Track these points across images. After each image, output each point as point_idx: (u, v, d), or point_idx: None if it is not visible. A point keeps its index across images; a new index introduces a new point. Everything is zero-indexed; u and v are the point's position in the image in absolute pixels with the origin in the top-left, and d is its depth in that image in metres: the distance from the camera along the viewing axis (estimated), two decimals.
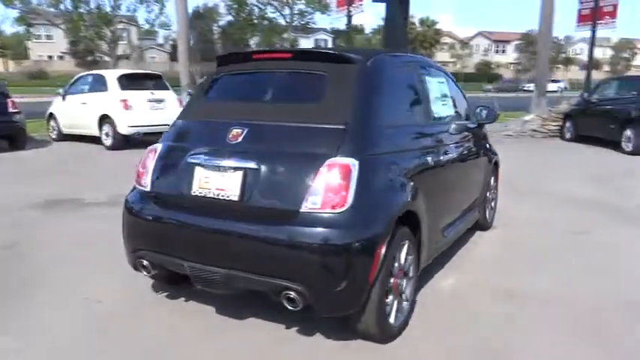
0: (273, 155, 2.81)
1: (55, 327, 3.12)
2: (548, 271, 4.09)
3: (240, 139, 2.91)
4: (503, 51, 68.82)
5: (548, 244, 4.80)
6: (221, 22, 44.15)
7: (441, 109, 4.03)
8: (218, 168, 2.90)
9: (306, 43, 53.31)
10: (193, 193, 2.95)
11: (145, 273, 3.21)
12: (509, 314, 3.32)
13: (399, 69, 3.50)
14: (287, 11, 40.38)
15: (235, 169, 2.84)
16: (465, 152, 4.23)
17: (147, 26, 34.75)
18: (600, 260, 4.38)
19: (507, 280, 3.89)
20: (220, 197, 2.85)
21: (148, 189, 3.16)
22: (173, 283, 3.56)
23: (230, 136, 2.95)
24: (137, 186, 3.27)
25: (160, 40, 58.72)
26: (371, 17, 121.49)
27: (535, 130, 13.59)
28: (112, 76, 10.95)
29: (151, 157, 3.23)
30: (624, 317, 3.30)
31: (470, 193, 4.51)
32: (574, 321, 3.23)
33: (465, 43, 67.24)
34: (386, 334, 2.90)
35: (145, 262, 3.13)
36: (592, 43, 18.87)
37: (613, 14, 18.11)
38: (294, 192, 2.69)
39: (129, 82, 10.82)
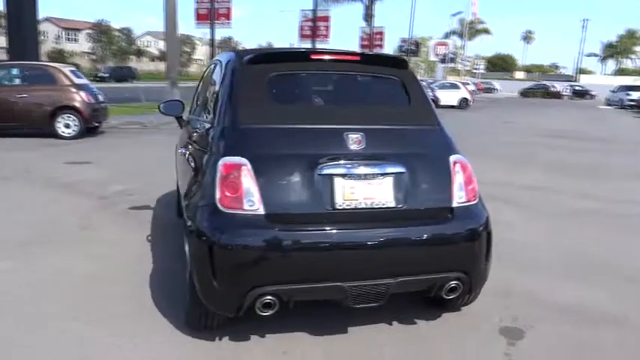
0: (409, 158, 2.87)
1: None
2: None
3: (364, 145, 2.81)
4: (76, 39, 65.68)
5: None
6: None
7: None
8: (364, 176, 2.74)
9: None
10: (339, 207, 2.68)
11: (264, 313, 2.64)
12: None
13: None
14: None
15: (384, 175, 2.77)
16: None
17: None
18: None
19: None
20: (374, 206, 2.73)
21: (262, 211, 2.61)
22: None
23: (351, 142, 2.80)
24: (230, 210, 2.61)
25: None
26: None
27: None
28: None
29: (244, 173, 2.63)
30: None
31: None
32: None
33: None
34: None
35: (269, 299, 2.60)
36: (212, 40, 21.07)
37: (228, 16, 20.73)
38: (439, 190, 2.89)
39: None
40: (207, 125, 3.30)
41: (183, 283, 3.47)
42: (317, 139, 2.85)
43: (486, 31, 67.06)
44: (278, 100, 3.00)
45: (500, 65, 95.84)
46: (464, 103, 28.44)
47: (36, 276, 3.80)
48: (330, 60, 3.13)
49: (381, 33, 35.17)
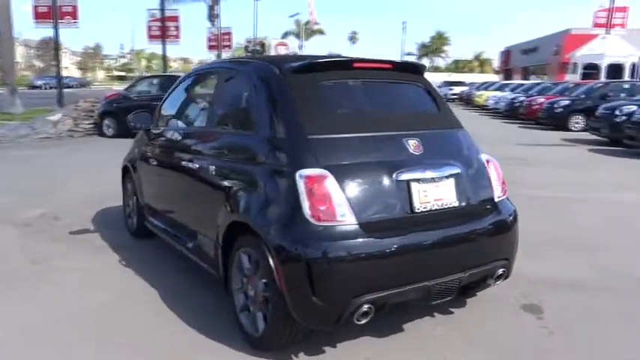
0: (459, 159, 3.11)
1: None
2: None
3: (422, 150, 2.98)
4: None
5: None
6: None
7: None
8: (432, 180, 2.91)
9: None
10: (417, 210, 2.82)
11: (360, 322, 2.66)
12: None
13: None
14: None
15: (447, 177, 2.97)
16: None
17: None
18: None
19: None
20: (443, 207, 2.92)
21: (354, 221, 2.64)
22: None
23: (411, 147, 2.95)
24: (324, 223, 2.60)
25: None
26: None
27: (72, 130, 13.16)
28: None
29: (331, 184, 2.64)
30: None
31: None
32: None
33: None
34: None
35: (366, 308, 2.63)
36: (56, 41, 19.00)
37: (74, 15, 18.89)
38: (484, 187, 3.18)
39: None
40: (238, 136, 3.23)
41: (219, 303, 3.36)
42: (383, 146, 2.94)
43: (321, 32, 70.06)
44: (334, 109, 3.03)
45: None
46: None
47: (27, 318, 3.28)
48: (369, 68, 3.25)
49: (228, 33, 34.93)
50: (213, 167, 3.30)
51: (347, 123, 2.98)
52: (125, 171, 5.12)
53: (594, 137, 14.11)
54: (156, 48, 27.11)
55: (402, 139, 2.96)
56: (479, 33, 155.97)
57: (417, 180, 2.86)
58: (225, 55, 38.06)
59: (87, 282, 3.90)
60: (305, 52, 64.48)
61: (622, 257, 4.64)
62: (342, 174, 2.70)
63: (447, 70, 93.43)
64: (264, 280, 2.79)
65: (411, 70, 3.48)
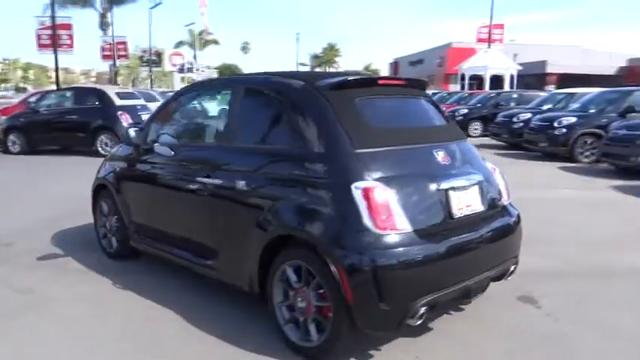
0: (476, 167, 3.44)
1: None
2: None
3: (449, 160, 3.26)
4: None
5: None
6: None
7: None
8: (464, 187, 3.18)
9: None
10: (455, 217, 3.07)
11: (417, 323, 2.86)
12: None
13: None
14: None
15: (473, 184, 3.26)
16: None
17: None
18: None
19: None
20: (472, 212, 3.21)
21: (409, 229, 2.84)
22: None
23: (440, 158, 3.21)
24: (386, 232, 2.77)
25: None
26: None
27: None
28: None
29: (386, 194, 2.82)
30: None
31: None
32: None
33: None
34: None
35: (422, 310, 2.84)
36: None
37: None
38: (497, 192, 3.53)
39: None
40: (276, 152, 3.29)
41: (243, 316, 3.44)
42: (419, 157, 3.18)
43: (215, 42, 69.03)
44: (372, 123, 3.17)
45: (228, 74, 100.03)
46: None
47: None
48: (390, 85, 3.48)
49: (124, 43, 33.43)
50: (244, 182, 3.28)
51: (386, 136, 3.16)
52: (98, 190, 4.84)
53: (494, 142, 15.49)
54: (48, 58, 24.97)
55: (432, 150, 3.22)
56: (368, 45, 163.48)
57: (454, 188, 3.11)
58: (120, 64, 36.28)
59: (94, 310, 3.67)
60: (199, 62, 63.10)
61: (571, 246, 5.27)
62: (390, 185, 2.88)
63: None
64: (319, 291, 2.89)
65: (418, 86, 3.75)
